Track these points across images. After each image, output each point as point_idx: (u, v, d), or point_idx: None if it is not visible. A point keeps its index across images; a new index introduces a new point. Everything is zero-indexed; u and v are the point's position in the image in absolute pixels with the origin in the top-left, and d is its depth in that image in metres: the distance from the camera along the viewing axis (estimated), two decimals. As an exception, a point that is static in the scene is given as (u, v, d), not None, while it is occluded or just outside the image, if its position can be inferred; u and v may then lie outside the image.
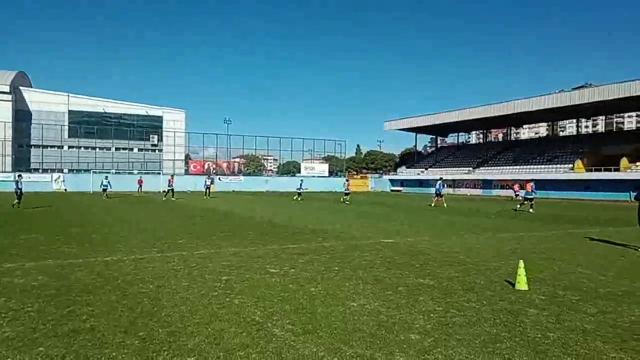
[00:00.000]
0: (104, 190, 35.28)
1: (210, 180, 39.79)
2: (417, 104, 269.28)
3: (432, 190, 51.78)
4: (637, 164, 45.25)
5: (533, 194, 25.56)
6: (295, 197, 36.27)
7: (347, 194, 33.23)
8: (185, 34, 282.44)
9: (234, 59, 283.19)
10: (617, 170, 45.58)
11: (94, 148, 69.02)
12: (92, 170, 56.75)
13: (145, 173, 60.09)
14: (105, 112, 71.44)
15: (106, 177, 36.83)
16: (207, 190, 38.04)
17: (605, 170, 46.45)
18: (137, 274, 7.37)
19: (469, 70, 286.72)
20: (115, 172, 61.82)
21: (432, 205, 29.00)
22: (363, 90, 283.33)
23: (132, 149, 72.16)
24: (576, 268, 8.33)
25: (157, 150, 74.24)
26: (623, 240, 12.32)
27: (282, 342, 4.39)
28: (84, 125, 68.84)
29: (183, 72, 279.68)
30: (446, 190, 55.25)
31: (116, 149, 70.84)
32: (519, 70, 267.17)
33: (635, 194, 11.33)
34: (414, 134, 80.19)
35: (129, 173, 62.49)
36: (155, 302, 5.70)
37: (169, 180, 35.91)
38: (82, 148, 69.06)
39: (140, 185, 51.53)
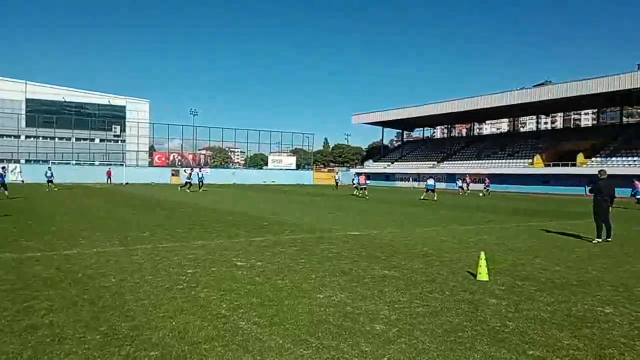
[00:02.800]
0: (49, 182, 33.06)
1: (199, 173, 36.54)
2: (384, 98, 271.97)
3: (399, 184, 52.32)
4: (593, 159, 47.16)
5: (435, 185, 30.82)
6: (355, 193, 34.13)
7: (363, 188, 32.17)
8: (150, 22, 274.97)
9: (201, 49, 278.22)
10: (574, 165, 47.36)
11: (52, 138, 66.46)
12: (50, 161, 54.72)
13: (107, 164, 58.40)
14: (65, 101, 68.94)
15: (49, 168, 35.12)
16: (200, 184, 35.81)
17: (563, 165, 48.26)
18: (99, 268, 7.19)
19: (434, 66, 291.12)
20: (76, 163, 59.88)
21: (435, 200, 29.01)
22: (331, 83, 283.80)
23: (93, 140, 69.98)
24: (534, 259, 8.64)
25: (119, 141, 72.25)
26: (578, 232, 12.86)
27: (248, 334, 4.39)
28: (43, 115, 66.26)
29: (147, 61, 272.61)
30: (417, 184, 56.94)
31: (76, 139, 68.49)
32: (483, 68, 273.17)
33: (589, 187, 11.81)
34: (381, 127, 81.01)
35: (90, 164, 60.64)
36: (117, 296, 5.58)
37: (189, 174, 35.68)
38: (41, 138, 66.46)
39: (109, 177, 50.13)
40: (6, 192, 22.87)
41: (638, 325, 4.88)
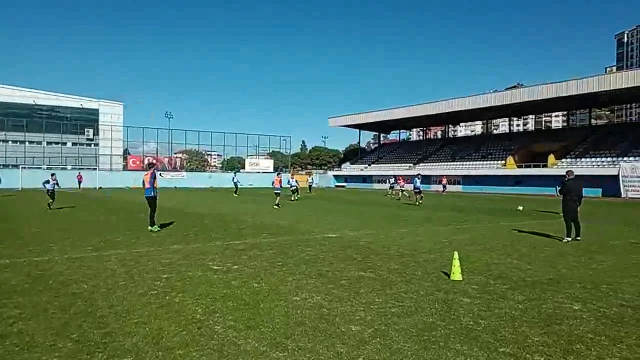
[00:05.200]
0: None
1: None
2: (361, 101, 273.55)
3: (376, 186, 52.24)
4: (563, 160, 48.38)
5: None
6: (390, 196, 32.49)
7: (417, 192, 27.40)
8: (123, 23, 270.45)
9: (175, 51, 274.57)
10: (545, 166, 48.48)
11: (23, 142, 64.70)
12: (20, 166, 53.28)
13: (79, 168, 57.14)
14: (36, 104, 67.21)
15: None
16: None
17: (535, 166, 49.36)
18: (71, 274, 7.05)
19: (409, 70, 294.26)
20: (47, 168, 58.35)
21: (417, 203, 25.81)
22: (308, 86, 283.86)
23: (65, 143, 68.34)
24: (506, 258, 8.83)
25: (92, 145, 70.79)
26: (549, 231, 13.18)
27: (224, 338, 4.37)
28: (12, 118, 64.43)
29: (121, 63, 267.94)
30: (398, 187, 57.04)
31: (48, 143, 66.79)
32: (457, 71, 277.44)
33: (559, 188, 12.11)
34: (358, 130, 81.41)
35: (62, 168, 59.20)
36: (89, 303, 5.48)
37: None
38: (10, 142, 64.65)
39: (80, 182, 48.98)
40: (50, 201, 20.78)
41: (604, 321, 5.04)
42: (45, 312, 5.12)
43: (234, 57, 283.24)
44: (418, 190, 26.24)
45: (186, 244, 10.30)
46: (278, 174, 25.56)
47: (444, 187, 47.56)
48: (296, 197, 29.45)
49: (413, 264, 8.12)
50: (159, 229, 12.48)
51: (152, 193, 12.71)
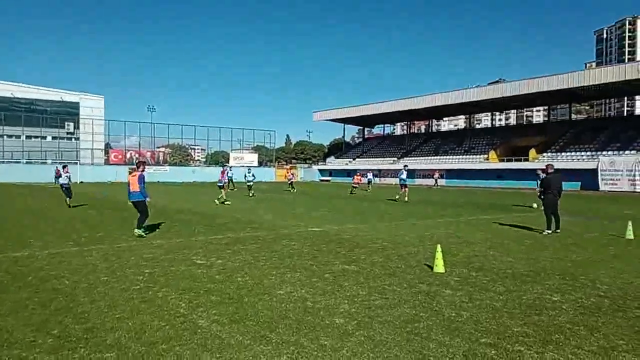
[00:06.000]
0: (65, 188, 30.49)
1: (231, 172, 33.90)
2: (346, 96, 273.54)
3: (373, 179, 52.26)
4: (544, 154, 49.14)
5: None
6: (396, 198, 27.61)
7: (355, 187, 31.52)
8: (104, 15, 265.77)
9: (157, 44, 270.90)
10: (527, 160, 49.19)
11: (1, 136, 63.30)
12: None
13: (60, 163, 56.13)
14: (14, 97, 65.68)
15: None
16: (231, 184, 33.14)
17: (516, 160, 50.05)
18: (51, 269, 6.94)
19: (394, 64, 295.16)
20: (27, 162, 57.30)
21: (397, 198, 23.95)
22: (292, 80, 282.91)
23: (45, 137, 67.09)
24: (488, 251, 8.95)
25: (73, 139, 69.57)
26: (530, 224, 13.39)
27: (208, 332, 4.36)
28: (-11, 111, 63.02)
29: (102, 56, 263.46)
30: (379, 180, 57.33)
31: (27, 137, 65.52)
32: (441, 66, 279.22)
33: (540, 182, 12.29)
34: (343, 124, 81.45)
35: (42, 163, 58.12)
36: (71, 299, 5.41)
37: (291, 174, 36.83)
38: (-13, 136, 63.24)
39: (58, 176, 48.03)
40: (67, 200, 18.49)
41: (582, 311, 5.15)
42: (25, 308, 5.04)
43: (218, 51, 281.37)
44: (404, 184, 23.69)
45: (169, 238, 10.22)
46: (223, 167, 24.39)
47: (436, 181, 48.04)
48: (252, 194, 27.04)
49: (396, 257, 8.18)
50: (143, 233, 10.52)
51: (142, 197, 10.68)
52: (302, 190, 36.55)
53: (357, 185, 35.33)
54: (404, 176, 23.86)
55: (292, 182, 36.67)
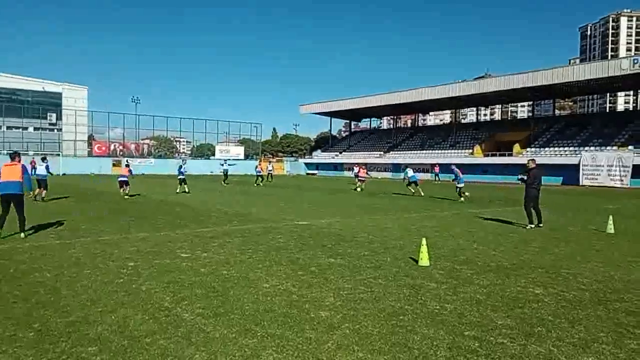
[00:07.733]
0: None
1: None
2: (333, 89, 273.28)
3: (347, 173, 51.71)
4: (528, 149, 49.71)
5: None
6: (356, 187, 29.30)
7: (361, 181, 28.91)
8: (88, 5, 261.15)
9: (142, 34, 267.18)
10: (511, 155, 49.73)
11: (-20, 126, 62.10)
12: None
13: (42, 154, 55.17)
14: (-6, 87, 64.41)
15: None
16: (265, 177, 34.29)
17: (500, 155, 50.54)
18: (33, 262, 6.83)
19: (380, 58, 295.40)
20: (7, 153, 56.15)
21: (413, 193, 24.37)
22: (279, 73, 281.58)
23: (26, 128, 65.94)
24: (472, 245, 9.04)
25: (55, 130, 68.45)
26: (514, 218, 13.55)
27: (192, 326, 4.33)
28: (-32, 101, 61.65)
29: (86, 47, 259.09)
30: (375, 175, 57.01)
31: (7, 127, 64.22)
32: (427, 60, 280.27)
33: (523, 176, 12.39)
34: (329, 118, 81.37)
35: (24, 154, 57.00)
36: (53, 292, 5.34)
37: (260, 167, 34.86)
38: (-34, 126, 61.88)
39: (34, 168, 47.00)
40: (43, 193, 17.49)
41: (564, 304, 5.23)
42: (6, 302, 4.95)
43: (204, 43, 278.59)
44: (415, 181, 24.67)
45: (154, 231, 10.13)
46: (127, 163, 22.94)
47: (437, 175, 47.57)
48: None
49: (382, 251, 8.22)
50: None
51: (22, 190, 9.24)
52: (284, 183, 36.42)
53: (364, 179, 30.02)
54: (410, 174, 24.96)
55: (261, 174, 34.32)
